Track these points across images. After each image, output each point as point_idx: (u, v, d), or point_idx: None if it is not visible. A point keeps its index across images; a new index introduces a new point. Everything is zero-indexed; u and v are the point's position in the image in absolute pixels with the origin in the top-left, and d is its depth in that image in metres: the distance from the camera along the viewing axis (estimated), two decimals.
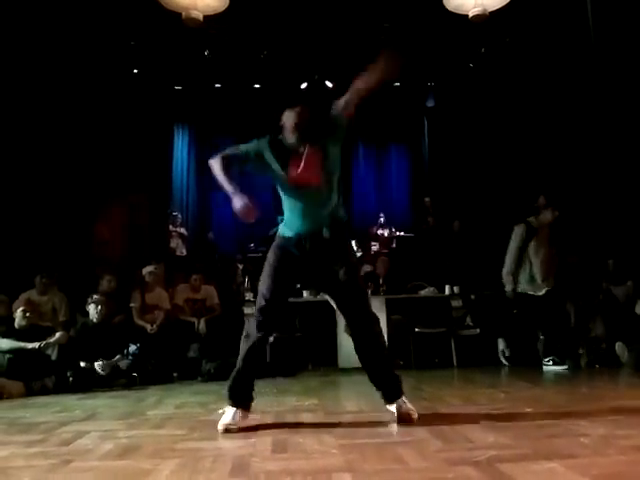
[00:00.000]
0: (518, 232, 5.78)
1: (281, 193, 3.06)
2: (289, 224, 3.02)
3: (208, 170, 3.07)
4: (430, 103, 11.35)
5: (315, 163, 2.93)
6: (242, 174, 3.16)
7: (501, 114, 9.38)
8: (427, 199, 10.07)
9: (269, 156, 2.95)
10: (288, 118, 2.96)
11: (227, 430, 2.72)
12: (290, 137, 2.95)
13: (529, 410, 3.08)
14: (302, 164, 2.93)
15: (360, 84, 3.00)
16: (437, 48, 9.08)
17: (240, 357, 2.93)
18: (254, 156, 2.97)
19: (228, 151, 3.02)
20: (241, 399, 2.88)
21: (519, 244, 5.71)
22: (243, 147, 3.00)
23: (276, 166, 2.94)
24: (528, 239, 5.70)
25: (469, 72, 9.70)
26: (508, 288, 5.71)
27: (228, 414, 2.81)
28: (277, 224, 3.14)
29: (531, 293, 5.64)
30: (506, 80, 9.18)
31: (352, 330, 3.00)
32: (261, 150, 2.96)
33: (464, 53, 9.34)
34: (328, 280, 3.00)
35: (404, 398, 2.92)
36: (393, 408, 2.90)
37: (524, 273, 5.68)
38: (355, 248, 9.48)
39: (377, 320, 3.03)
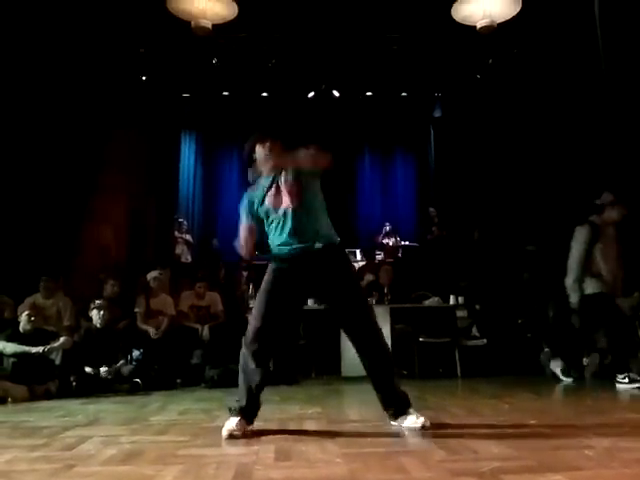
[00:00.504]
0: (583, 233, 5.13)
1: (265, 223, 3.11)
2: (279, 248, 3.03)
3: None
4: (437, 113, 11.39)
5: (294, 189, 3.01)
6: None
7: (508, 125, 9.39)
8: (432, 209, 10.09)
9: (252, 203, 3.12)
10: (259, 152, 3.08)
11: (231, 436, 2.73)
12: (264, 168, 3.08)
13: (533, 422, 3.06)
14: (281, 189, 3.03)
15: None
16: (445, 59, 9.12)
17: (243, 383, 2.95)
18: (251, 209, 3.13)
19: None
20: (246, 413, 2.89)
21: (585, 246, 5.07)
22: (244, 211, 3.18)
23: (257, 202, 3.09)
24: (594, 240, 5.08)
25: (476, 83, 9.72)
26: (574, 299, 5.08)
27: (232, 420, 2.82)
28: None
29: (604, 291, 5.03)
30: (513, 92, 9.19)
31: (358, 347, 2.98)
32: (249, 203, 3.13)
33: (471, 64, 9.37)
34: (329, 298, 3.03)
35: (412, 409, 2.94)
36: (406, 421, 2.90)
37: (590, 277, 5.06)
38: (359, 257, 9.50)
39: (382, 334, 3.03)
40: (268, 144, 3.07)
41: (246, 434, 2.78)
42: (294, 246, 2.98)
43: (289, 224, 2.99)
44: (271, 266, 3.06)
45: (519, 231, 8.74)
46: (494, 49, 8.75)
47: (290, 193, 3.00)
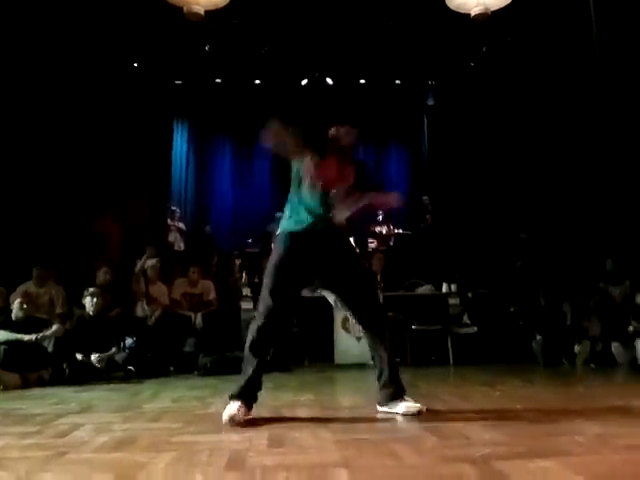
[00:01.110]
0: None
1: (302, 185, 3.08)
2: (298, 218, 3.02)
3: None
4: (430, 101, 11.35)
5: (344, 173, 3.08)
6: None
7: (502, 113, 9.39)
8: (425, 198, 10.08)
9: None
10: (345, 135, 3.15)
11: (232, 420, 2.73)
12: (343, 139, 3.16)
13: (525, 408, 3.08)
14: (336, 167, 3.07)
15: (358, 198, 3.04)
16: (438, 46, 9.09)
17: (249, 362, 2.90)
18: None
19: None
20: (248, 397, 2.87)
21: None
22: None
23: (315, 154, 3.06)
24: None
25: (470, 71, 9.70)
26: None
27: (233, 405, 2.81)
28: (274, 220, 3.19)
29: None
30: (507, 79, 9.18)
31: (365, 325, 3.04)
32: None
33: (465, 52, 9.34)
34: (339, 275, 3.02)
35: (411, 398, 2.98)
36: (400, 406, 2.91)
37: None
38: (354, 246, 9.50)
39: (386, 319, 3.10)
40: (355, 131, 3.22)
41: (246, 419, 2.79)
42: (312, 225, 2.99)
43: (316, 201, 3.02)
44: (282, 239, 3.02)
45: (512, 219, 8.77)
46: (488, 37, 8.72)
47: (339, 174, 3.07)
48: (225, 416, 2.75)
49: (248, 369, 2.88)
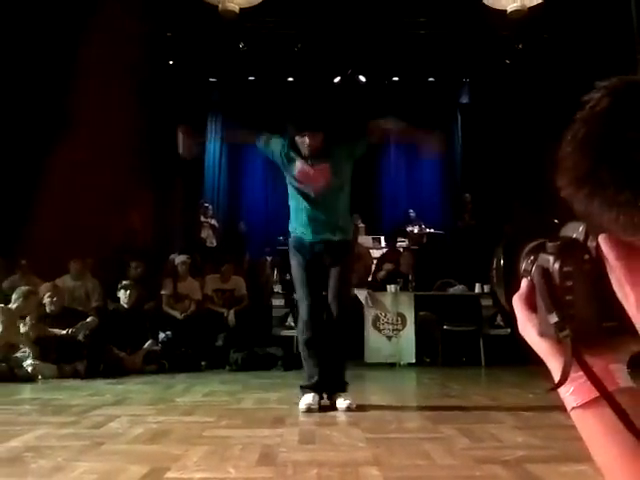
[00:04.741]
0: None
1: (290, 191, 3.27)
2: (300, 232, 3.24)
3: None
4: (464, 99, 11.23)
5: (324, 174, 3.16)
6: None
7: (537, 112, 9.22)
8: (467, 195, 9.95)
9: (283, 146, 3.24)
10: (301, 142, 3.16)
11: (309, 410, 2.95)
12: (303, 150, 3.19)
13: (558, 412, 3.03)
14: (312, 170, 3.17)
15: (398, 125, 3.18)
16: (473, 43, 8.98)
17: (308, 361, 3.16)
18: (275, 147, 3.30)
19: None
20: (317, 387, 3.10)
21: None
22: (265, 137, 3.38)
23: (287, 154, 3.22)
24: None
25: (505, 68, 9.56)
26: None
27: (307, 396, 3.03)
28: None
29: None
30: (543, 78, 9.02)
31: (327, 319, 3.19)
32: (277, 141, 3.29)
33: (500, 49, 9.21)
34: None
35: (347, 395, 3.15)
36: (341, 398, 3.10)
37: None
38: (384, 244, 9.46)
39: (346, 320, 3.24)
40: (311, 136, 3.16)
41: (321, 407, 3.02)
42: (315, 237, 3.18)
43: (312, 211, 3.17)
44: (293, 244, 3.26)
45: (548, 221, 8.61)
46: (524, 34, 8.58)
47: (317, 174, 3.16)
48: (302, 405, 2.98)
49: (310, 362, 3.12)
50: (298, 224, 3.23)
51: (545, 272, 0.57)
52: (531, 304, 0.60)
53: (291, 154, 3.21)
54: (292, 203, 3.27)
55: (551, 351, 0.59)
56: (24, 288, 5.19)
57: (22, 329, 4.88)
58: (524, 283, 0.61)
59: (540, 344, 0.60)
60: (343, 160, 3.20)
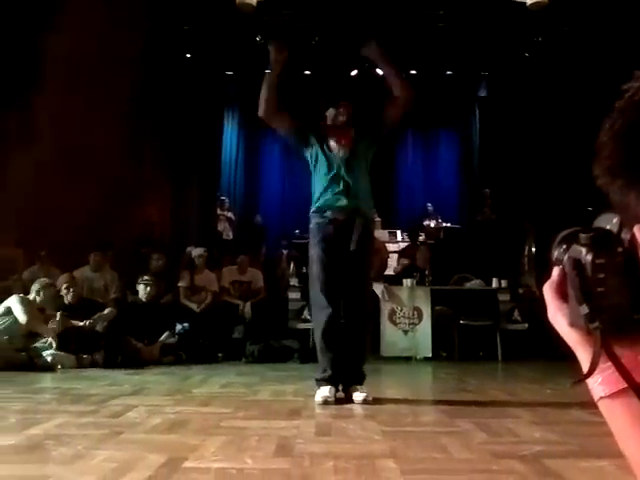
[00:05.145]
0: None
1: (314, 170, 3.31)
2: (321, 203, 3.23)
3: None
4: (482, 92, 11.13)
5: (347, 131, 3.31)
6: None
7: (557, 106, 9.11)
8: (487, 190, 9.89)
9: (312, 138, 3.33)
10: (333, 115, 3.34)
11: (325, 402, 2.95)
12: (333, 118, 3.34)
13: (577, 408, 3.00)
14: (335, 130, 3.33)
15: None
16: (492, 36, 8.89)
17: (323, 353, 3.15)
18: (303, 134, 3.36)
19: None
20: (333, 380, 3.10)
21: None
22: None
23: (316, 143, 3.31)
24: None
25: (524, 62, 9.45)
26: None
27: (324, 389, 3.03)
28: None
29: None
30: (563, 71, 8.90)
31: (345, 311, 3.19)
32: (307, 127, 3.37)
33: (520, 42, 9.10)
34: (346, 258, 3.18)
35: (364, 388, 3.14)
36: (358, 391, 3.09)
37: None
38: (400, 237, 9.44)
39: (368, 310, 3.28)
40: (342, 106, 3.36)
41: (337, 399, 3.02)
42: (343, 203, 3.18)
43: (342, 181, 3.20)
44: (314, 232, 3.24)
45: (566, 215, 8.52)
46: (544, 26, 8.47)
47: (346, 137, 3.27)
48: (318, 398, 2.98)
49: (325, 353, 3.11)
50: (323, 192, 3.23)
51: (577, 263, 0.57)
52: (562, 293, 0.60)
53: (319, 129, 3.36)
54: (317, 176, 3.29)
55: (581, 341, 0.58)
56: (42, 280, 5.25)
57: (50, 325, 4.94)
58: (555, 272, 0.61)
59: (570, 334, 0.59)
60: (366, 141, 3.32)
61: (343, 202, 3.17)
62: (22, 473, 1.70)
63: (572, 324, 0.59)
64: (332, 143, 3.27)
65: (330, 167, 3.22)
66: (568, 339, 0.60)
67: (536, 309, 6.16)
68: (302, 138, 3.36)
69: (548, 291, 0.62)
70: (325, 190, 3.22)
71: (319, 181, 3.26)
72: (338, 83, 10.01)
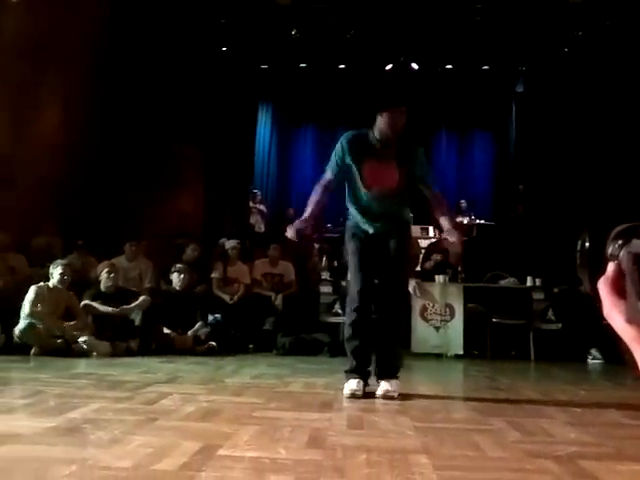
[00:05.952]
0: None
1: (352, 193, 3.24)
2: (355, 216, 3.26)
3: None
4: (519, 88, 10.94)
5: (391, 168, 3.13)
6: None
7: (597, 102, 8.91)
8: (521, 186, 9.75)
9: (348, 159, 3.14)
10: (390, 117, 3.04)
11: (353, 395, 2.97)
12: (383, 133, 3.07)
13: (613, 410, 2.95)
14: (377, 165, 3.12)
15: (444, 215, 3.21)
16: (530, 30, 8.73)
17: (354, 347, 3.16)
18: (341, 165, 3.17)
19: (325, 182, 3.21)
20: (362, 372, 3.13)
21: None
22: (331, 168, 3.20)
23: (354, 168, 3.15)
24: None
25: (564, 57, 9.26)
26: None
27: (352, 382, 3.04)
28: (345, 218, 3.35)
29: None
30: (603, 66, 8.69)
31: (376, 307, 3.19)
32: (343, 156, 3.15)
33: (559, 36, 8.92)
34: (382, 258, 3.19)
35: (397, 381, 3.12)
36: (382, 384, 3.07)
37: None
38: (432, 234, 9.36)
39: (402, 306, 3.30)
40: (403, 110, 3.11)
41: (365, 393, 3.04)
42: (374, 225, 3.21)
43: (371, 207, 3.19)
44: (352, 230, 3.27)
45: (605, 212, 8.33)
46: (584, 20, 8.28)
47: (385, 169, 3.14)
48: (347, 390, 3.00)
49: (355, 346, 3.13)
50: (356, 212, 3.24)
51: (636, 258, 0.56)
52: (617, 289, 0.59)
53: (358, 154, 3.13)
54: (350, 190, 3.24)
55: (638, 338, 0.58)
56: (58, 261, 5.19)
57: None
58: (610, 267, 0.60)
59: (627, 331, 0.58)
60: (408, 165, 3.17)
61: (377, 226, 3.20)
62: (63, 455, 1.74)
63: (629, 320, 0.58)
64: (368, 177, 3.15)
65: (362, 199, 3.20)
66: (625, 336, 0.59)
67: (571, 309, 6.05)
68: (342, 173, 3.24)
69: (603, 287, 0.61)
70: (357, 212, 3.24)
71: (352, 196, 3.25)
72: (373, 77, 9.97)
